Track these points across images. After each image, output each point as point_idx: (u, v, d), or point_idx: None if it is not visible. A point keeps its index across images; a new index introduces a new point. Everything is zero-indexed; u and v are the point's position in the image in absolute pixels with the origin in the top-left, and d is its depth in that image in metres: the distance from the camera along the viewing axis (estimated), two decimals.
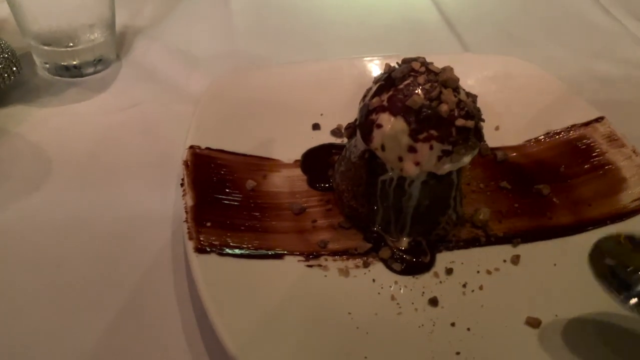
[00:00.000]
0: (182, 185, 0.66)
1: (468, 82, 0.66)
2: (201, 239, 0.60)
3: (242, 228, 0.64)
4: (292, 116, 0.82)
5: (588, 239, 0.66)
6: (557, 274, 0.64)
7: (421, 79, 0.60)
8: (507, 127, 0.83)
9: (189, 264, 0.58)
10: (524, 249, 0.67)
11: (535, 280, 0.63)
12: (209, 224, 0.62)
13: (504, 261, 0.65)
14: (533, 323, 0.58)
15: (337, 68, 0.90)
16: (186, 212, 0.62)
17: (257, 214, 0.67)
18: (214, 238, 0.61)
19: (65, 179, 0.74)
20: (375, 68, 0.88)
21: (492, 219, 0.70)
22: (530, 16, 1.20)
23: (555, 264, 0.65)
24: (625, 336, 0.57)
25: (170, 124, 0.83)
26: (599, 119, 0.80)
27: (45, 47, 0.87)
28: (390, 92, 0.61)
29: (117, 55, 0.96)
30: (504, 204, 0.73)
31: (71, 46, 0.87)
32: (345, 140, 0.81)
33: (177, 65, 0.96)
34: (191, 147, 0.70)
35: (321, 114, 0.84)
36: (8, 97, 0.85)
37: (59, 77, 0.90)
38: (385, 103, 0.61)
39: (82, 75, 0.90)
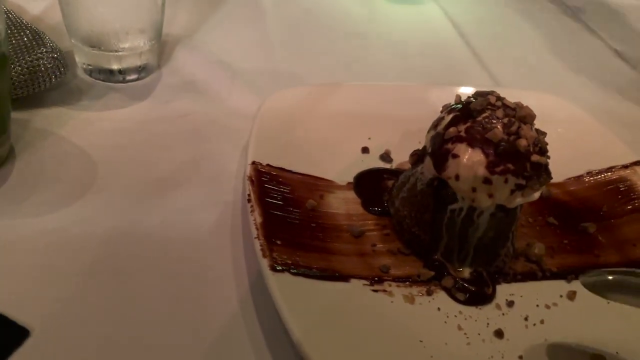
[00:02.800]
0: (249, 201, 0.65)
1: None
2: (274, 256, 0.59)
3: (309, 248, 0.64)
4: (342, 138, 0.82)
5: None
6: (611, 310, 0.65)
7: (499, 113, 0.62)
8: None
9: (265, 282, 0.57)
10: (578, 285, 0.67)
11: (592, 317, 0.64)
12: (279, 242, 0.61)
13: (561, 296, 0.66)
14: (598, 358, 0.59)
15: (382, 93, 0.91)
16: (257, 228, 0.61)
17: (319, 234, 0.67)
18: (285, 256, 0.60)
19: (113, 185, 0.71)
20: (416, 95, 0.89)
21: (546, 254, 0.71)
22: (557, 54, 1.24)
23: (608, 302, 0.66)
24: None
25: (217, 137, 0.82)
26: (637, 163, 0.83)
27: (92, 49, 0.84)
28: (468, 124, 0.62)
29: (159, 63, 0.95)
30: (553, 240, 0.74)
31: (117, 50, 0.85)
32: (394, 165, 0.81)
33: (218, 77, 0.95)
34: (253, 162, 0.70)
35: (369, 138, 0.84)
36: (48, 98, 0.83)
37: (100, 81, 0.88)
38: (462, 134, 0.62)
39: (124, 81, 0.89)
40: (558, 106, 0.94)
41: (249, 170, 0.68)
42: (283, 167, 0.72)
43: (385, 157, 0.83)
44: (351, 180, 0.77)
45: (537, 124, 0.91)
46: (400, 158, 0.82)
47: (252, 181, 0.67)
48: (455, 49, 1.19)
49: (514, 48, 1.24)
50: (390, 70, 1.09)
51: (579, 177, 0.84)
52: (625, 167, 0.83)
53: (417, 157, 0.69)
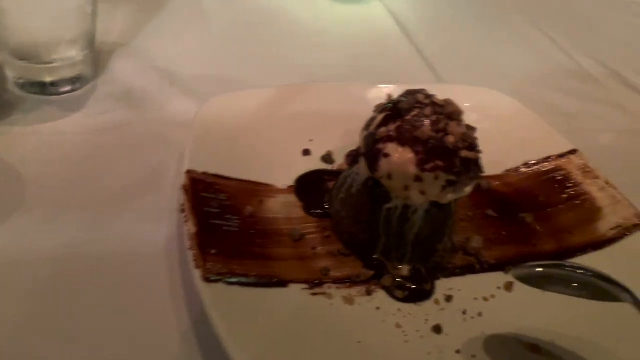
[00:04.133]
0: (182, 211, 0.64)
1: None
2: (208, 267, 0.58)
3: (245, 255, 0.63)
4: (283, 141, 0.81)
5: None
6: (547, 300, 0.66)
7: (428, 111, 0.62)
8: (488, 156, 0.86)
9: (198, 294, 0.56)
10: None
11: (529, 307, 0.65)
12: (214, 252, 0.61)
13: (498, 288, 0.68)
14: (534, 349, 0.60)
15: (324, 93, 0.90)
16: (190, 239, 0.60)
17: (258, 240, 0.66)
18: (220, 266, 0.59)
19: (46, 201, 0.69)
20: (360, 95, 0.90)
21: (484, 247, 0.72)
22: (496, 50, 1.26)
23: (544, 292, 0.67)
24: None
25: (154, 147, 0.81)
26: (572, 152, 0.85)
27: (22, 62, 0.82)
28: (398, 123, 0.62)
29: (94, 74, 0.93)
30: (491, 232, 0.75)
31: (49, 62, 0.83)
32: (336, 166, 0.81)
33: (156, 85, 0.93)
34: (189, 171, 0.69)
35: (310, 140, 0.84)
36: None
37: (32, 95, 0.86)
38: (392, 133, 0.62)
39: (58, 94, 0.86)
40: (497, 100, 0.96)
41: (183, 179, 0.67)
42: (220, 174, 0.71)
43: (327, 158, 0.83)
44: (292, 183, 0.77)
45: (477, 118, 0.93)
46: (343, 159, 0.82)
47: (186, 191, 0.66)
48: (399, 47, 1.20)
49: (456, 44, 1.26)
50: (335, 70, 1.10)
51: (517, 169, 0.85)
52: (561, 156, 0.85)
53: (353, 157, 0.70)
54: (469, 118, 0.87)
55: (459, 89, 1.00)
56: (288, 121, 0.84)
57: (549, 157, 0.86)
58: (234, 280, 0.59)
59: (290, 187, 0.76)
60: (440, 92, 0.68)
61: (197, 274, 0.57)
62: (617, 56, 1.28)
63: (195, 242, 0.60)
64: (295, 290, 0.62)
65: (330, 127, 0.85)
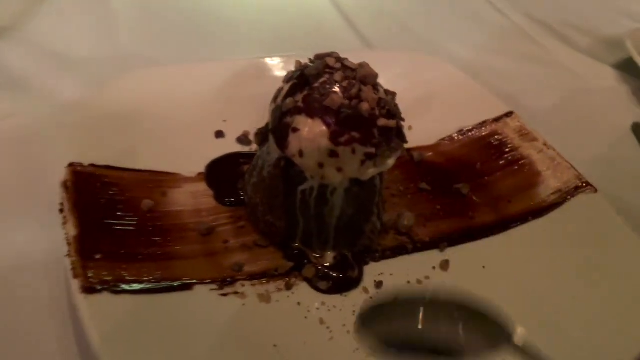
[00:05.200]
0: (61, 211, 0.54)
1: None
2: (89, 275, 0.49)
3: (140, 257, 0.54)
4: (191, 124, 0.72)
5: (513, 238, 0.65)
6: (488, 277, 0.61)
7: (338, 76, 0.54)
8: (420, 126, 0.79)
9: (75, 308, 0.47)
10: (451, 253, 0.63)
11: (467, 286, 0.59)
12: (98, 257, 0.52)
13: (433, 268, 0.62)
14: None
15: (237, 70, 0.82)
16: (68, 243, 0.51)
17: (157, 239, 0.57)
18: (105, 273, 0.51)
19: None
20: (281, 69, 0.81)
21: (417, 223, 0.66)
22: (429, 13, 1.19)
23: (484, 267, 0.62)
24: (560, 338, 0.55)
25: (43, 139, 0.70)
26: (508, 114, 0.80)
27: None
28: (305, 92, 0.54)
29: None
30: (426, 207, 0.69)
31: None
32: (254, 147, 0.73)
33: (47, 71, 0.82)
34: (71, 164, 0.59)
35: (224, 120, 0.75)
36: None
37: None
38: (300, 104, 0.54)
39: None
40: (428, 65, 0.89)
41: (63, 174, 0.58)
42: (112, 165, 0.62)
43: (243, 139, 0.74)
44: (202, 170, 0.68)
45: (407, 85, 0.86)
46: None
47: (66, 187, 0.56)
48: (327, 15, 1.12)
49: (386, 10, 1.18)
50: (258, 44, 1.00)
51: (451, 137, 0.79)
52: (497, 120, 0.80)
53: (263, 135, 0.61)
54: (398, 85, 0.80)
55: (388, 54, 0.93)
56: (197, 101, 0.75)
57: (484, 122, 0.80)
58: (122, 288, 0.50)
59: (200, 174, 0.67)
60: (368, 59, 0.60)
61: (75, 284, 0.48)
62: (555, 14, 1.24)
63: (75, 247, 0.51)
64: (202, 293, 0.54)
65: (246, 106, 0.76)
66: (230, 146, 0.73)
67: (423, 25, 1.13)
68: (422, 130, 0.79)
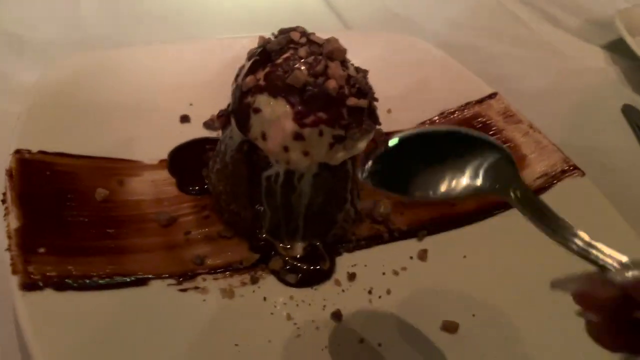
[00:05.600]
0: (3, 202, 0.50)
1: (353, 63, 0.57)
2: (30, 270, 0.45)
3: (91, 251, 0.50)
4: (153, 108, 0.68)
5: (495, 225, 0.61)
6: (469, 268, 0.57)
7: (302, 52, 0.50)
8: (399, 109, 0.75)
9: (14, 307, 0.43)
10: (430, 242, 0.59)
11: (446, 277, 0.56)
12: (42, 250, 0.47)
13: (411, 258, 0.58)
14: (450, 328, 0.51)
15: (207, 50, 0.77)
16: (9, 237, 0.47)
17: (111, 230, 0.53)
18: (49, 268, 0.46)
19: None
20: (247, 49, 0.77)
21: (394, 211, 0.62)
22: None
23: (465, 256, 0.58)
24: (545, 330, 0.51)
25: None
26: (492, 95, 0.76)
27: None
28: (267, 69, 0.50)
29: None
30: None
31: None
32: (220, 132, 0.68)
33: (6, 52, 0.77)
34: (18, 151, 0.55)
35: (190, 104, 0.71)
36: None
37: None
38: (262, 82, 0.50)
39: None
40: (409, 45, 0.85)
41: (8, 161, 0.53)
42: (64, 151, 0.57)
43: (211, 124, 0.69)
44: (165, 157, 0.64)
45: (387, 66, 0.82)
46: None
47: (10, 175, 0.52)
48: None
49: None
50: (232, 25, 0.96)
51: (432, 120, 0.75)
52: (480, 101, 0.76)
53: (225, 117, 0.57)
54: (375, 67, 0.76)
55: (365, 35, 0.88)
56: (161, 84, 0.70)
57: (467, 104, 0.76)
58: (68, 284, 0.46)
59: (162, 161, 0.63)
60: (344, 40, 0.55)
61: (14, 280, 0.44)
62: None
63: (16, 241, 0.47)
64: (158, 288, 0.50)
65: (215, 88, 0.71)
66: (196, 131, 0.69)
67: (404, 5, 1.08)
68: (402, 113, 0.74)
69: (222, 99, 0.65)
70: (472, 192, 0.40)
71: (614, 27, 0.98)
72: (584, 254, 0.35)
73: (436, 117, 0.75)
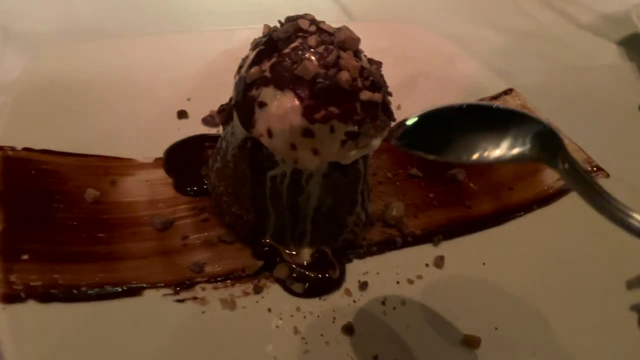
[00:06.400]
0: None
1: None
2: (12, 280, 0.41)
3: (80, 257, 0.46)
4: (148, 102, 0.64)
5: (515, 229, 0.57)
6: (489, 276, 0.53)
7: (312, 41, 0.46)
8: (409, 105, 0.70)
9: None
10: (447, 248, 0.55)
11: (465, 287, 0.52)
12: (25, 257, 0.43)
13: (427, 265, 0.54)
14: (472, 343, 0.46)
15: (205, 41, 0.73)
16: None
17: (102, 235, 0.49)
18: (33, 277, 0.42)
19: None
20: (248, 40, 0.72)
21: (407, 214, 0.58)
22: None
23: (484, 263, 0.54)
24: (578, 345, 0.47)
25: None
26: (508, 91, 0.72)
27: None
28: (274, 59, 0.46)
29: None
30: (417, 195, 0.61)
31: None
32: (221, 129, 0.64)
33: None
34: (0, 148, 0.50)
35: (188, 99, 0.67)
36: None
37: None
38: (267, 74, 0.45)
39: None
40: (419, 37, 0.81)
41: None
42: (51, 149, 0.53)
43: (210, 120, 0.65)
44: (161, 155, 0.59)
45: (396, 59, 0.77)
46: None
47: None
48: None
49: None
50: (232, 16, 0.91)
51: None
52: (495, 97, 0.72)
53: (227, 112, 0.53)
54: (385, 59, 0.72)
55: (373, 25, 0.84)
56: (156, 77, 0.66)
57: (481, 100, 0.71)
58: (53, 294, 0.42)
59: (158, 159, 0.59)
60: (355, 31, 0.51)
61: None
62: None
63: None
64: (153, 299, 0.46)
65: (214, 82, 0.67)
66: (194, 128, 0.64)
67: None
68: (413, 109, 0.70)
69: (222, 93, 0.61)
70: (511, 158, 0.39)
71: (629, 22, 0.95)
72: None
73: None
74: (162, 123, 0.63)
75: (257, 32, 0.72)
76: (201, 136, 0.63)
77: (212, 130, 0.65)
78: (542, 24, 1.05)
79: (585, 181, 0.36)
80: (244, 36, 0.74)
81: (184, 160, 0.60)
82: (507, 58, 0.91)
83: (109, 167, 0.55)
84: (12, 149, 0.51)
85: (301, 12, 0.94)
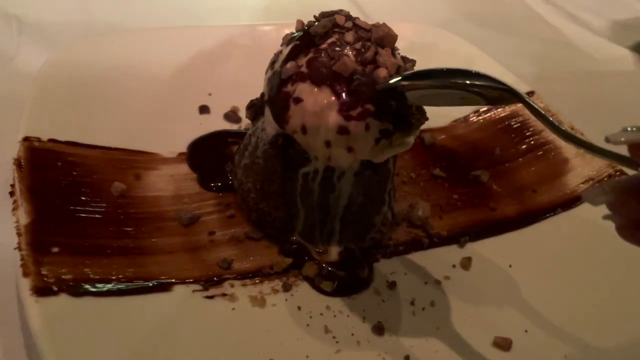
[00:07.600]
0: (11, 194, 0.45)
1: None
2: (44, 272, 0.40)
3: (109, 251, 0.45)
4: (171, 97, 0.63)
5: (541, 231, 0.57)
6: (516, 278, 0.53)
7: (349, 37, 0.45)
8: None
9: (25, 314, 0.38)
10: (473, 249, 0.55)
11: (493, 288, 0.51)
12: (55, 250, 0.42)
13: (454, 266, 0.53)
14: (503, 344, 0.46)
15: (227, 37, 0.72)
16: (19, 234, 0.42)
17: (129, 229, 0.48)
18: (64, 270, 0.42)
19: None
20: (274, 37, 0.72)
21: (432, 215, 0.57)
22: None
23: (510, 265, 0.54)
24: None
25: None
26: (530, 94, 0.71)
27: None
28: (310, 55, 0.45)
29: None
30: (441, 196, 0.61)
31: None
32: (244, 125, 0.64)
33: (5, 35, 0.72)
34: (27, 139, 0.49)
35: (209, 94, 0.66)
36: None
37: None
38: (304, 69, 0.45)
39: None
40: (439, 38, 0.81)
41: (17, 150, 0.48)
42: (76, 141, 0.52)
43: (232, 115, 0.65)
44: (184, 150, 0.59)
45: (418, 59, 0.78)
46: None
47: (19, 165, 0.47)
48: None
49: None
50: (247, 13, 0.91)
51: (466, 118, 0.71)
52: None
53: (257, 108, 0.52)
54: None
55: (394, 25, 0.84)
56: (178, 72, 0.66)
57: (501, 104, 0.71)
58: (85, 288, 0.41)
59: (181, 154, 0.58)
60: None
61: (24, 284, 0.39)
62: None
63: (27, 239, 0.42)
64: (182, 294, 0.45)
65: (235, 78, 0.67)
66: (216, 123, 0.64)
67: (429, 2, 1.04)
68: (435, 110, 0.70)
69: (243, 89, 0.61)
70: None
71: None
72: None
73: (471, 115, 0.71)
74: (184, 117, 0.62)
75: (278, 29, 0.73)
76: (224, 132, 0.62)
77: (234, 127, 0.64)
78: (557, 30, 1.05)
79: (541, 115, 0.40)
80: (264, 32, 0.75)
81: (208, 156, 0.59)
82: (522, 63, 0.91)
83: (134, 161, 0.55)
84: (38, 139, 0.50)
85: (318, 11, 0.94)
